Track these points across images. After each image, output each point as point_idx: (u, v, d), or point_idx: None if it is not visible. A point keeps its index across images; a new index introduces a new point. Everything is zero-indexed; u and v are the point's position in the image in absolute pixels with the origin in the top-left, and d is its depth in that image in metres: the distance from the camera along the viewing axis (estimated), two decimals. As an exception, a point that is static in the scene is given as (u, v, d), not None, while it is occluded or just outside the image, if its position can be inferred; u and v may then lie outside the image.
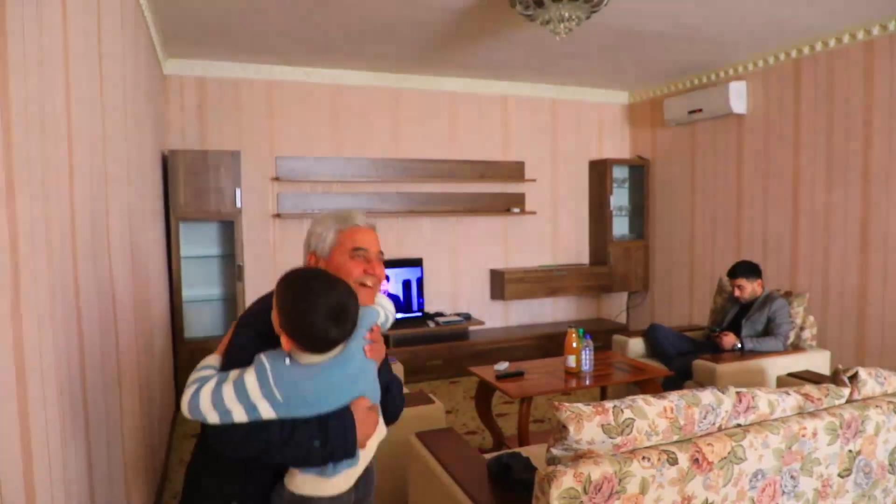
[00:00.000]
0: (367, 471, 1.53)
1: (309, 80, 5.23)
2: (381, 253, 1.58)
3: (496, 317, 6.04)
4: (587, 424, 1.58)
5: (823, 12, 3.89)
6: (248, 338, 1.41)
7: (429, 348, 5.26)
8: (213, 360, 1.42)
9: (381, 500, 2.58)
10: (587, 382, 3.45)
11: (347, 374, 1.37)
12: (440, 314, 5.61)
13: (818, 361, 3.72)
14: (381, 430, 1.51)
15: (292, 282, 1.33)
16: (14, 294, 1.12)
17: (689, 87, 5.69)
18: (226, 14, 3.80)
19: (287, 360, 1.31)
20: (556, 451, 1.62)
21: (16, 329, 1.12)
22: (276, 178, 5.12)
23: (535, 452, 2.18)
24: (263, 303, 1.44)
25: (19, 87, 1.17)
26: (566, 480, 1.50)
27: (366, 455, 1.47)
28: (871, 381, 2.05)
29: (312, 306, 1.28)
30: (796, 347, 3.86)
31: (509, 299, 5.81)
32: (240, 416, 1.29)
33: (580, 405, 1.63)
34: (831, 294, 4.49)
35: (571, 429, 1.58)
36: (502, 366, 3.57)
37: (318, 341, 1.30)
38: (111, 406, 1.95)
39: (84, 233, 1.67)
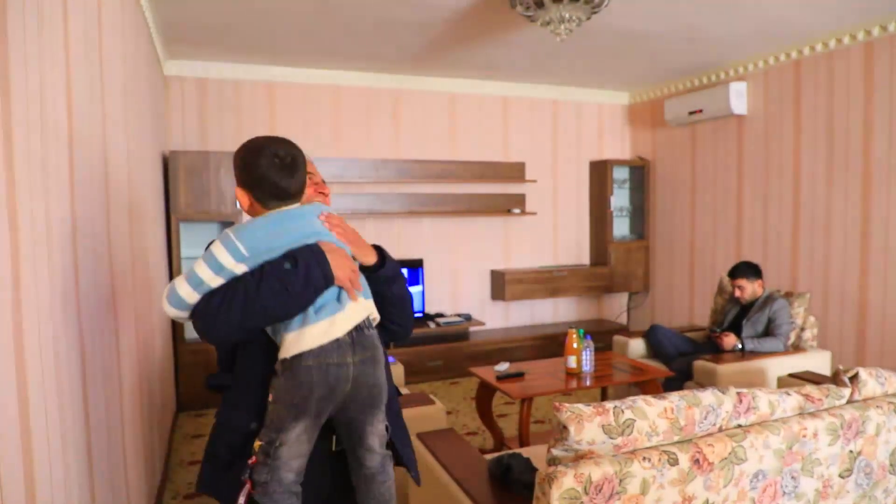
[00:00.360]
0: (366, 364, 1.49)
1: (309, 81, 5.24)
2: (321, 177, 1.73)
3: (497, 317, 6.04)
4: (588, 425, 1.58)
5: (823, 13, 3.89)
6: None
7: (429, 349, 5.26)
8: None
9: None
10: (588, 383, 3.45)
11: (303, 223, 1.44)
12: (441, 315, 5.61)
13: (819, 362, 3.72)
14: (370, 306, 1.52)
15: (245, 142, 1.46)
16: (15, 294, 1.12)
17: (690, 87, 5.69)
18: (226, 15, 3.80)
19: (244, 230, 1.40)
20: (556, 452, 1.62)
21: (16, 328, 1.12)
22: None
23: (535, 453, 2.18)
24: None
25: (20, 87, 1.17)
26: (567, 481, 1.50)
27: (355, 310, 1.46)
28: (871, 382, 2.05)
29: (261, 153, 1.41)
30: (797, 348, 3.85)
31: (510, 300, 5.81)
32: (212, 280, 1.37)
33: (581, 406, 1.63)
34: (832, 294, 4.48)
35: (572, 429, 1.58)
36: (503, 366, 3.57)
37: (270, 185, 1.41)
38: (112, 405, 1.95)
39: (85, 233, 1.68)
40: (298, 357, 1.40)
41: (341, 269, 1.42)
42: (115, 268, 2.12)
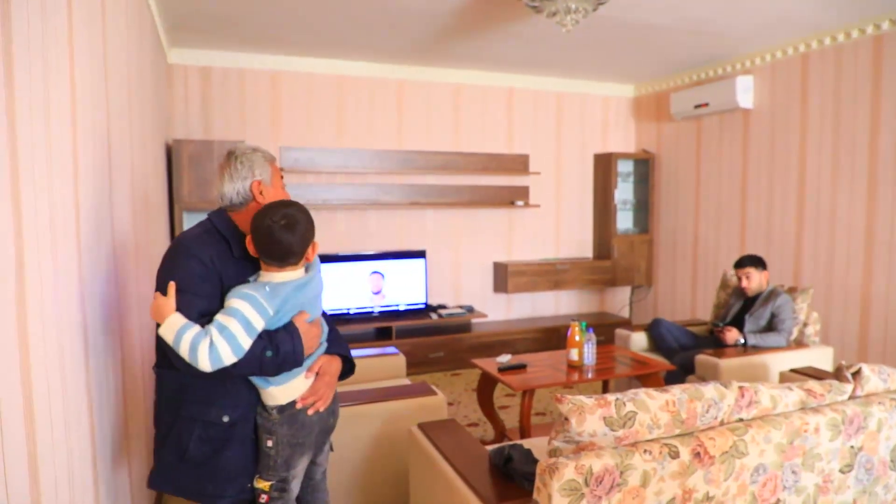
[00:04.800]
0: (335, 400, 1.80)
1: (313, 71, 5.22)
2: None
3: (499, 309, 6.04)
4: (589, 417, 1.59)
5: (831, 6, 3.85)
6: (203, 265, 1.58)
7: (431, 340, 5.27)
8: (178, 319, 1.51)
9: (382, 490, 2.60)
10: (589, 376, 3.45)
11: (315, 293, 1.70)
12: (443, 306, 5.61)
13: (821, 357, 3.72)
14: (324, 347, 1.78)
15: (259, 210, 1.63)
16: (18, 283, 1.12)
17: (696, 80, 5.66)
18: (230, 4, 3.79)
19: (267, 288, 1.58)
20: (557, 443, 1.62)
21: (20, 318, 1.12)
22: (280, 169, 5.10)
23: (536, 444, 2.19)
24: (189, 233, 1.68)
25: (23, 75, 1.17)
26: (567, 472, 1.51)
27: (306, 364, 1.70)
28: (874, 378, 2.05)
29: (269, 218, 1.58)
30: (799, 343, 3.85)
31: (512, 292, 5.81)
32: (247, 343, 1.53)
33: (582, 397, 1.64)
34: (835, 290, 4.47)
35: (573, 421, 1.58)
36: (505, 358, 3.58)
37: (278, 246, 1.58)
38: (115, 394, 1.96)
39: (88, 222, 1.68)
40: (292, 403, 1.67)
41: (309, 341, 1.66)
42: (119, 257, 2.13)
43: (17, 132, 1.12)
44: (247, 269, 1.67)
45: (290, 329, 1.61)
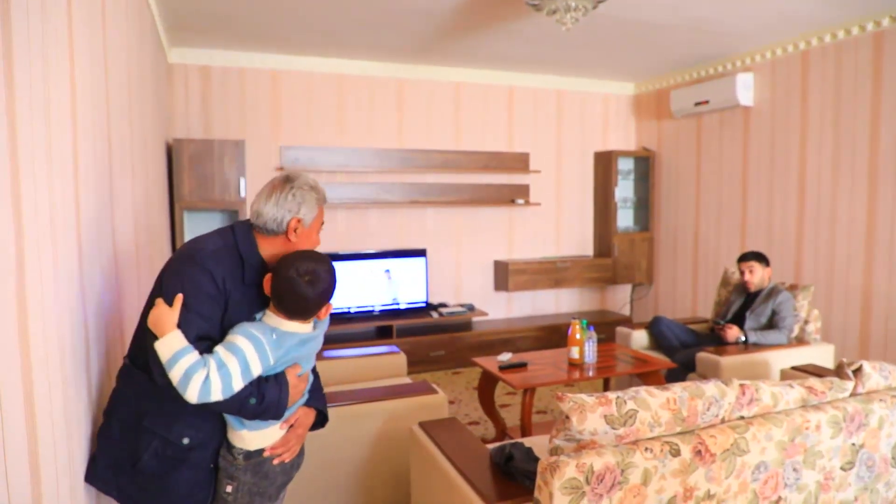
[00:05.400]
0: (301, 453, 1.75)
1: (314, 70, 5.22)
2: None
3: (500, 308, 6.05)
4: (590, 415, 1.59)
5: (832, 3, 3.85)
6: (214, 286, 1.51)
7: (432, 339, 5.27)
8: (178, 340, 1.43)
9: (383, 489, 2.60)
10: (590, 374, 3.45)
11: (314, 349, 1.65)
12: (444, 305, 5.61)
13: (822, 355, 3.71)
14: (304, 398, 1.72)
15: (287, 256, 1.58)
16: (19, 283, 1.12)
17: (696, 78, 5.65)
18: (231, 3, 3.78)
19: (274, 335, 1.53)
20: (558, 442, 1.62)
21: (21, 317, 1.12)
22: (281, 168, 5.12)
23: (537, 443, 2.19)
24: (208, 244, 1.57)
25: (23, 75, 1.17)
26: (569, 470, 1.51)
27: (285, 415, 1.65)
28: (875, 375, 2.05)
29: (296, 270, 1.53)
30: (800, 341, 3.85)
31: (513, 290, 5.81)
32: (238, 385, 1.47)
33: (583, 396, 1.64)
34: (836, 287, 4.47)
35: (574, 419, 1.58)
36: (506, 357, 3.58)
37: (294, 301, 1.53)
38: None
39: (88, 221, 1.68)
40: (260, 451, 1.61)
41: (295, 394, 1.61)
42: (119, 256, 2.13)
43: (17, 132, 1.12)
44: (253, 298, 1.59)
45: (280, 381, 1.55)
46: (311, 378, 1.72)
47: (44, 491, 1.20)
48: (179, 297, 1.46)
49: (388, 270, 5.29)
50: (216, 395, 1.42)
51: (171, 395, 1.45)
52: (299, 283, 1.51)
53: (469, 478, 1.87)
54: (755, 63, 5.05)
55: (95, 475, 1.55)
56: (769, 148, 4.98)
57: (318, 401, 1.78)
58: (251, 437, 1.59)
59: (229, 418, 1.59)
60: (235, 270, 1.56)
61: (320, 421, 1.80)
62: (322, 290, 1.56)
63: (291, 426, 1.66)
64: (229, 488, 1.61)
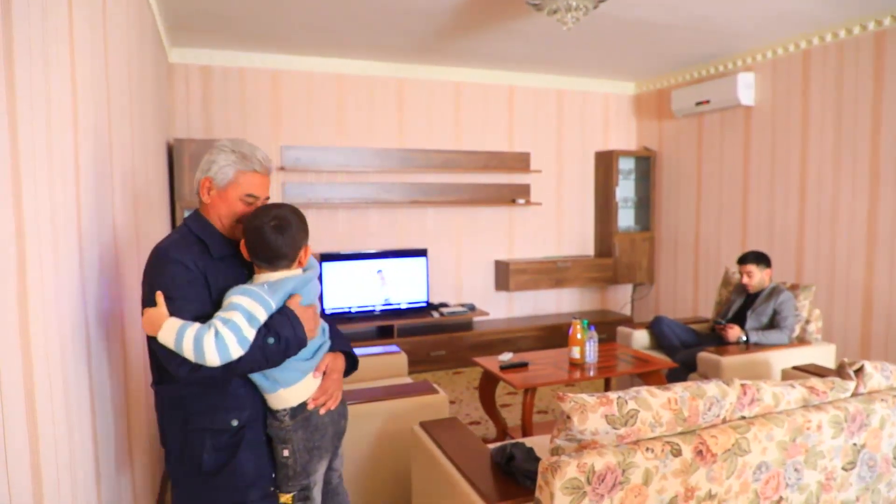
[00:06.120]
0: (343, 402, 1.77)
1: (314, 70, 5.22)
2: (269, 198, 1.74)
3: (500, 308, 6.04)
4: (591, 415, 1.58)
5: (833, 2, 3.84)
6: (188, 270, 1.53)
7: (433, 339, 5.27)
8: (176, 322, 1.46)
9: (384, 489, 2.60)
10: (591, 374, 3.45)
11: (313, 292, 1.67)
12: (444, 305, 5.61)
13: (823, 355, 3.71)
14: (328, 344, 1.75)
15: (252, 211, 1.62)
16: (20, 282, 1.12)
17: (697, 77, 5.65)
18: (231, 3, 3.78)
19: (266, 286, 1.56)
20: (559, 442, 1.62)
21: (22, 316, 1.12)
22: (282, 168, 5.12)
23: (538, 443, 2.18)
24: (166, 240, 1.62)
25: (24, 74, 1.17)
26: (570, 470, 1.51)
27: (312, 363, 1.68)
28: (876, 375, 2.04)
29: (260, 219, 1.57)
30: (801, 340, 3.84)
31: (514, 290, 5.81)
32: (251, 334, 1.49)
33: (584, 396, 1.63)
34: (837, 287, 4.47)
35: (575, 419, 1.58)
36: (506, 356, 3.58)
37: (268, 247, 1.56)
38: (116, 392, 1.96)
39: (89, 221, 1.68)
40: (303, 405, 1.64)
41: (307, 322, 1.60)
42: (120, 256, 2.13)
43: (18, 131, 1.12)
44: (229, 268, 1.62)
45: (285, 313, 1.56)
46: (324, 324, 1.74)
47: (45, 490, 1.20)
48: (160, 294, 1.49)
49: (380, 271, 5.28)
50: (234, 348, 1.44)
51: (201, 389, 1.50)
52: (266, 230, 1.55)
53: (470, 478, 1.87)
54: (756, 62, 5.04)
55: (177, 501, 1.63)
56: (770, 147, 4.97)
57: (343, 344, 1.83)
58: (289, 393, 1.62)
59: (263, 384, 1.61)
60: (202, 251, 1.60)
61: (352, 365, 1.84)
62: (293, 233, 1.59)
63: (325, 374, 1.69)
64: (286, 452, 1.64)
